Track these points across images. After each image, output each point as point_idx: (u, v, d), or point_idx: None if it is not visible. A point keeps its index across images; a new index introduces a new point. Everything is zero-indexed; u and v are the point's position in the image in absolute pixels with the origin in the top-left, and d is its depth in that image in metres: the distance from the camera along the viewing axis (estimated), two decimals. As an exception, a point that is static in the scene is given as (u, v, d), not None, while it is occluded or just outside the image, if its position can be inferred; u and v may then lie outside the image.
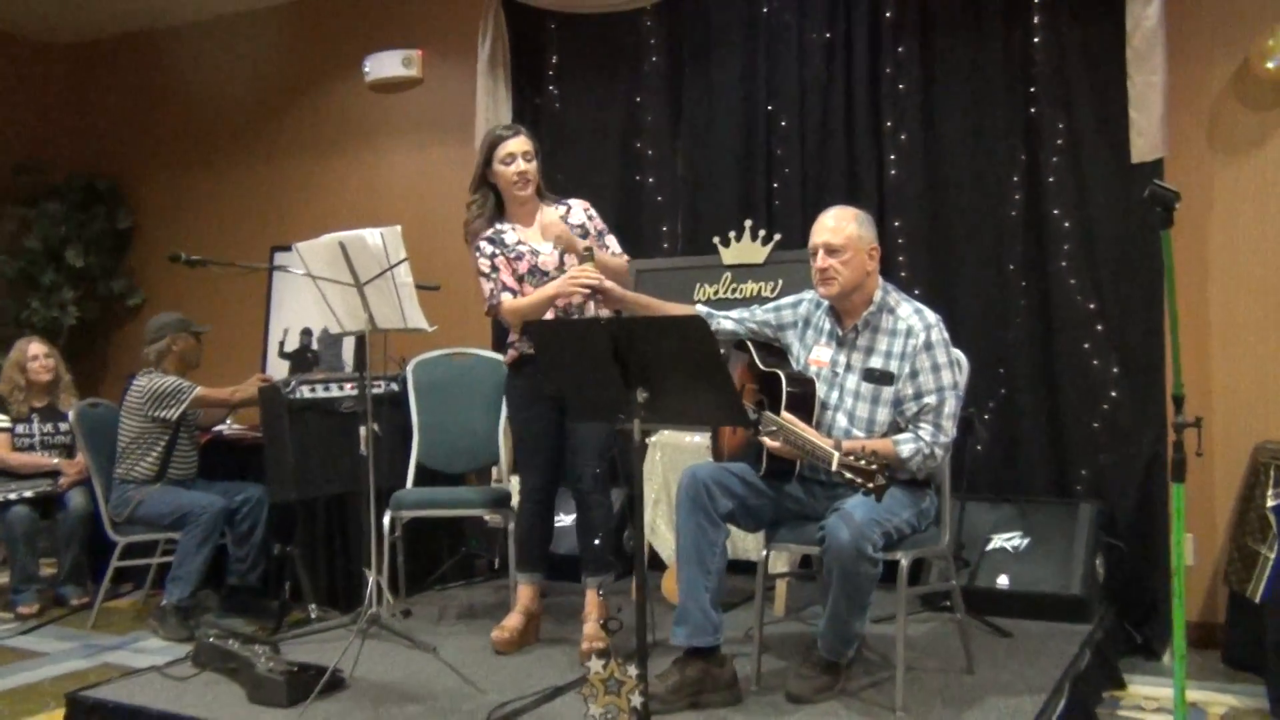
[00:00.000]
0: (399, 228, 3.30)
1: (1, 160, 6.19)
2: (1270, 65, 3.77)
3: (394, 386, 4.45)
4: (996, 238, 4.20)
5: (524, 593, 3.60)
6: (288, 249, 3.95)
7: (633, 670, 2.40)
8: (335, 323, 3.54)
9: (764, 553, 3.10)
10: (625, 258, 3.54)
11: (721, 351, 2.62)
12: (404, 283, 3.32)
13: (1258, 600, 3.41)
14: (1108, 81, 3.95)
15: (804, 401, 2.93)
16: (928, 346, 2.91)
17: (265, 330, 5.82)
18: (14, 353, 4.95)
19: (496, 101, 4.99)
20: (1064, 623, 3.62)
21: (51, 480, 4.79)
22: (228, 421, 5.16)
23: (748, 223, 4.33)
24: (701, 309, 3.34)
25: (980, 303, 4.22)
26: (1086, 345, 4.01)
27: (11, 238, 6.18)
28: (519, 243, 3.49)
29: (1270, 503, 3.48)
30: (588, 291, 3.24)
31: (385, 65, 5.46)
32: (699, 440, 4.04)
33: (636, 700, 2.39)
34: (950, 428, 2.91)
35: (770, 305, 3.26)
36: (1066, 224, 4.05)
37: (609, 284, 3.22)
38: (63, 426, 4.92)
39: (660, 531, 4.08)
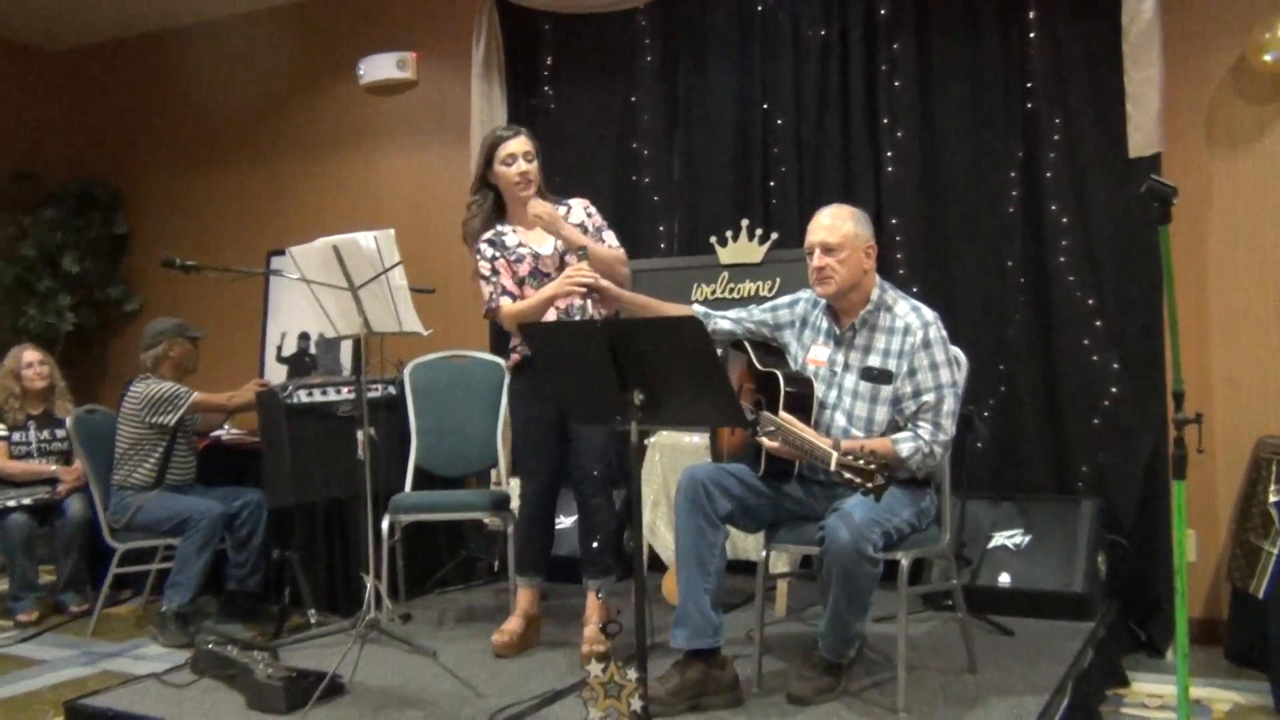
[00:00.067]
0: (392, 231, 3.29)
1: (-3, 166, 6.19)
2: (1267, 59, 3.76)
3: (391, 390, 4.44)
4: (994, 235, 4.19)
5: (524, 596, 3.59)
6: (283, 253, 3.94)
7: (633, 674, 2.38)
8: (330, 327, 3.54)
9: (764, 553, 3.08)
10: (622, 250, 3.52)
11: (719, 352, 2.60)
12: (399, 286, 3.32)
13: (1261, 596, 3.41)
14: (1105, 77, 3.95)
15: (802, 401, 2.91)
16: (926, 344, 2.90)
17: (263, 335, 5.82)
18: (8, 360, 4.95)
19: (491, 103, 4.99)
20: (1066, 620, 3.61)
21: (49, 487, 4.78)
22: (225, 426, 5.15)
23: (744, 222, 4.31)
24: (699, 309, 3.32)
25: (979, 300, 4.21)
26: (1086, 341, 4.00)
27: (8, 244, 6.17)
28: (520, 245, 3.47)
29: (1273, 498, 3.47)
30: (584, 290, 3.23)
31: (380, 68, 5.46)
32: (698, 441, 4.02)
33: (637, 704, 2.38)
34: (949, 426, 2.89)
35: (767, 305, 3.24)
36: (1064, 220, 4.04)
37: (605, 283, 3.20)
38: (59, 433, 4.91)
39: (659, 533, 4.06)
